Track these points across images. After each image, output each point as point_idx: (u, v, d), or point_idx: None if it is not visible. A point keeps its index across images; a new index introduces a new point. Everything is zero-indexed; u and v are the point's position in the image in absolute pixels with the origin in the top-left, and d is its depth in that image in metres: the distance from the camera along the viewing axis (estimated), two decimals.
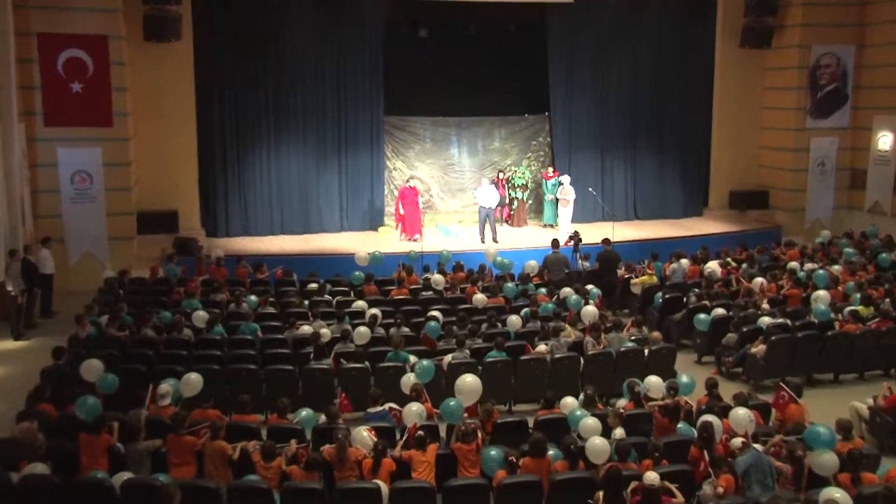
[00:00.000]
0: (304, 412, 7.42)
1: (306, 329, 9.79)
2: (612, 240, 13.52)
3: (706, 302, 11.26)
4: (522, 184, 17.38)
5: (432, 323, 9.72)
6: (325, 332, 9.57)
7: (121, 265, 12.97)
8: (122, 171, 14.22)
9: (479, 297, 11.10)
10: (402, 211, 15.74)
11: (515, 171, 17.55)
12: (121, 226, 14.21)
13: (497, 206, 16.24)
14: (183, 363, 8.71)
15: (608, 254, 13.01)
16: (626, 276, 12.93)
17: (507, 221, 17.53)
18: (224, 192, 16.10)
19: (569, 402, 7.63)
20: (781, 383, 7.88)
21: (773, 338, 9.80)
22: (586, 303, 10.69)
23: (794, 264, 12.61)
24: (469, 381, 7.39)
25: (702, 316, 10.64)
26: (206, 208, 15.90)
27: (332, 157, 16.67)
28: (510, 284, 11.70)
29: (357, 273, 12.21)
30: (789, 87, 17.42)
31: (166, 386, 7.68)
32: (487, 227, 15.76)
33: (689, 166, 18.52)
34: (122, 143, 14.17)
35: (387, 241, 15.78)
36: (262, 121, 16.20)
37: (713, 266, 12.85)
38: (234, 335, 9.80)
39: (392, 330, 9.87)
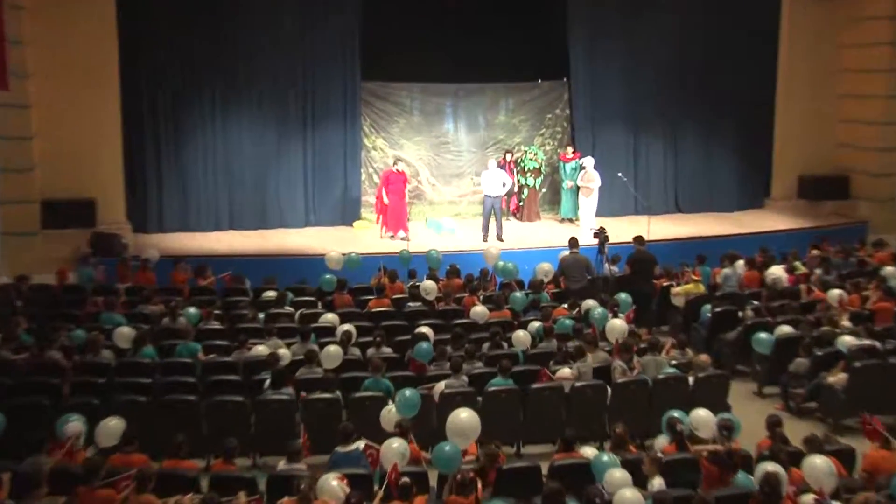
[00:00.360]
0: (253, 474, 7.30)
1: (261, 350, 9.73)
2: (646, 238, 13.47)
3: (768, 317, 11.21)
4: (534, 168, 17.32)
5: (422, 343, 9.64)
6: (286, 354, 9.52)
7: (19, 269, 12.83)
8: (20, 146, 14.08)
9: (480, 310, 11.06)
10: (385, 200, 15.69)
11: (526, 152, 17.50)
12: (19, 218, 14.09)
13: (505, 194, 16.21)
14: (100, 395, 8.59)
15: (642, 255, 12.97)
16: (666, 284, 12.91)
17: (514, 214, 17.44)
18: (157, 176, 16.00)
19: (589, 451, 7.57)
20: (866, 416, 7.78)
21: (856, 364, 9.72)
22: (615, 317, 10.66)
23: (889, 269, 12.55)
24: (463, 417, 7.30)
25: (762, 335, 10.59)
26: (133, 196, 15.80)
27: (295, 134, 16.61)
28: (519, 294, 11.67)
29: (327, 277, 12.17)
30: (879, 41, 17.36)
31: (77, 423, 7.56)
32: (492, 221, 15.73)
33: (746, 145, 18.51)
34: (20, 111, 14.02)
35: (364, 238, 15.70)
36: (207, 87, 16.11)
37: (777, 272, 12.80)
38: (168, 358, 9.75)
39: (370, 351, 9.83)
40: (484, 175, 16.00)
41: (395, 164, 16.16)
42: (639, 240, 13.19)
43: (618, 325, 10.17)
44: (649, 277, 12.88)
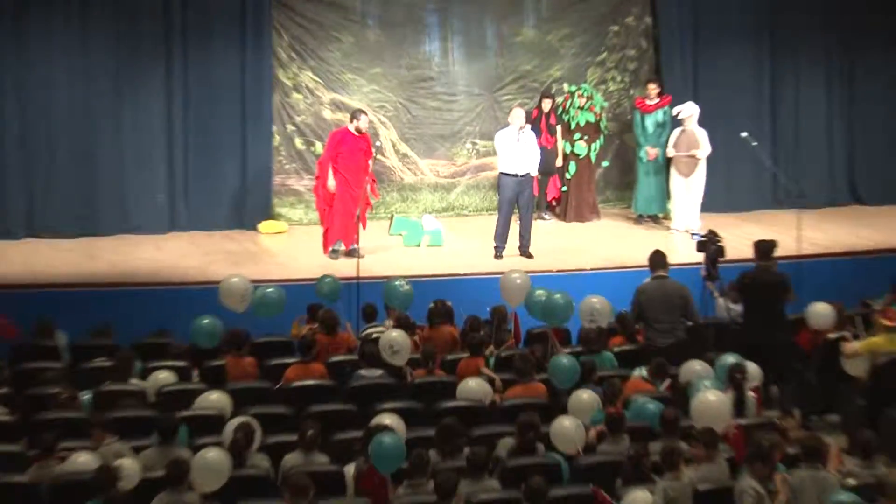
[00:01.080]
0: None
1: (85, 461, 9.68)
2: (794, 251, 13.85)
3: None
4: (589, 123, 17.54)
5: (385, 439, 9.55)
6: (131, 468, 9.47)
7: None
8: None
9: (475, 387, 11.16)
10: (331, 185, 15.51)
11: (573, 96, 17.74)
12: None
13: (539, 173, 16.27)
14: None
15: (761, 278, 12.94)
16: (833, 337, 12.89)
17: (552, 208, 17.82)
18: None
19: None
20: None
21: None
22: (740, 394, 10.71)
23: None
24: None
25: None
26: None
27: (152, 68, 16.96)
28: (566, 361, 11.57)
29: (205, 322, 12.08)
30: None
31: None
32: (514, 222, 15.78)
33: None
34: None
35: (282, 253, 16.02)
36: None
37: None
38: None
39: (290, 458, 9.87)
40: (499, 138, 15.97)
41: (353, 119, 15.99)
42: (762, 250, 13.11)
43: (713, 404, 10.16)
44: (776, 320, 12.86)
